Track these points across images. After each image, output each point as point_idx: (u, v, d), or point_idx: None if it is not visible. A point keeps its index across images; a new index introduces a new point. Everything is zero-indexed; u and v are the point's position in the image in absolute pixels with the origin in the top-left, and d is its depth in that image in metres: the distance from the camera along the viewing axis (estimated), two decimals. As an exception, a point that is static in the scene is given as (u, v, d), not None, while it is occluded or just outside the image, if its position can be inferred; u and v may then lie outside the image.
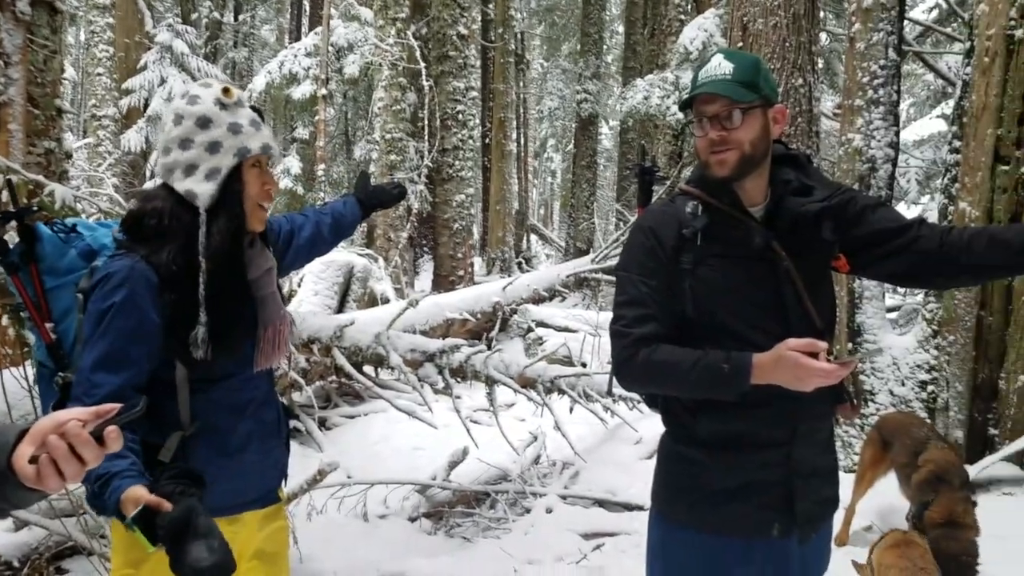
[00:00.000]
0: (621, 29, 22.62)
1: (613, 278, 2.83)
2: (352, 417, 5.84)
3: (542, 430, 5.18)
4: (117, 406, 1.01)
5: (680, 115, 11.38)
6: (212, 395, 1.73)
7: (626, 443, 5.35)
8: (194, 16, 22.05)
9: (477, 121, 13.26)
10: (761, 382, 1.55)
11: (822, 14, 11.56)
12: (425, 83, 10.55)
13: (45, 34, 4.80)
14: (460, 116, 12.11)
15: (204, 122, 1.70)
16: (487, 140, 17.94)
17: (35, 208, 1.75)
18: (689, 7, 13.47)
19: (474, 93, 12.60)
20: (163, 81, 17.39)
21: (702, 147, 1.68)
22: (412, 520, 4.27)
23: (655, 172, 1.95)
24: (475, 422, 5.57)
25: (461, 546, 4.05)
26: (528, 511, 4.38)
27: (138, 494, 1.36)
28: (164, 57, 17.59)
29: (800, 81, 5.55)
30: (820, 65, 9.48)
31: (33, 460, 0.99)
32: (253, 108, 1.78)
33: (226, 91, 1.73)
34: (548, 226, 32.38)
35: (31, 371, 3.32)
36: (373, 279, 7.54)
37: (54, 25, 4.90)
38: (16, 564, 3.33)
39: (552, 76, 28.17)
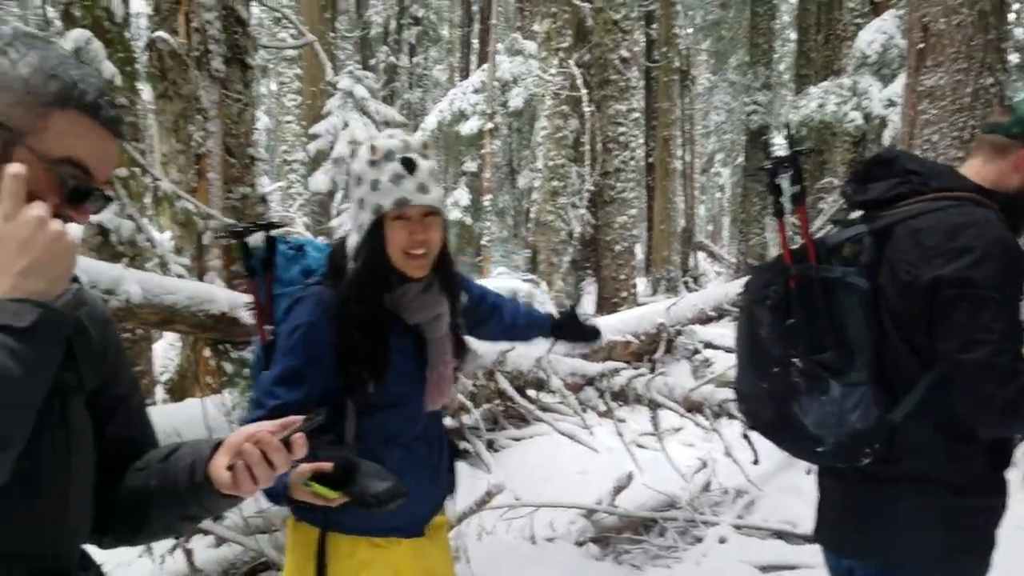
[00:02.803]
0: (793, 36, 21.77)
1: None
2: (518, 439, 5.93)
3: (711, 456, 5.01)
4: (301, 418, 1.11)
5: (861, 121, 10.79)
6: (374, 420, 1.83)
7: (806, 470, 5.07)
8: (372, 61, 23.46)
9: (640, 141, 13.19)
10: None
11: (1017, 6, 10.60)
12: (587, 109, 10.64)
13: (238, 89, 5.30)
14: (622, 138, 12.09)
15: (357, 180, 1.82)
16: (651, 159, 17.78)
17: (281, 223, 1.96)
18: (866, 10, 12.77)
19: (636, 114, 12.55)
20: (346, 125, 18.62)
21: None
22: (579, 544, 4.23)
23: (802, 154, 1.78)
24: (640, 446, 5.47)
25: (630, 573, 3.98)
26: (699, 540, 4.23)
27: (302, 468, 1.49)
28: (346, 102, 18.82)
29: (990, 81, 5.11)
30: (1015, 61, 8.67)
31: (229, 468, 1.10)
32: (404, 160, 1.80)
33: (372, 148, 1.81)
34: (717, 243, 31.50)
35: (229, 398, 3.65)
36: (536, 304, 7.65)
37: (246, 80, 5.40)
38: (215, 579, 3.63)
39: (719, 90, 27.52)
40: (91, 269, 3.02)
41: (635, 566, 4.06)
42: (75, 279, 1.12)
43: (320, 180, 18.47)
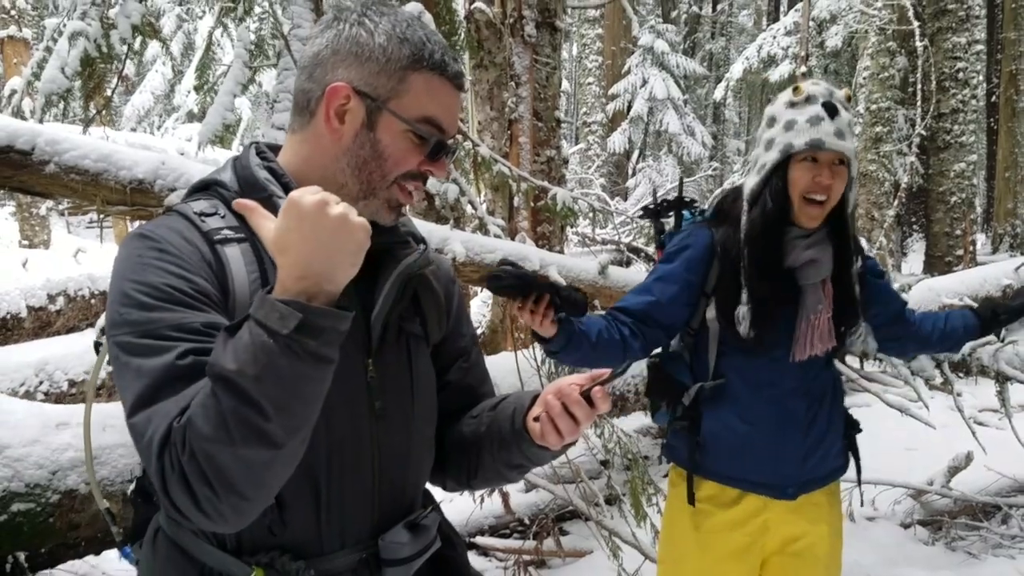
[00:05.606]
0: None
1: None
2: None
3: (1071, 438, 4.32)
4: (607, 372, 1.09)
5: None
6: (736, 361, 1.88)
7: None
8: (674, 14, 23.01)
9: (981, 78, 11.52)
10: None
11: None
12: (919, 43, 9.48)
13: (547, 53, 5.46)
14: (960, 75, 10.66)
15: (771, 121, 1.84)
16: (994, 98, 15.47)
17: (692, 201, 2.12)
18: None
19: (978, 47, 10.99)
20: (644, 82, 18.54)
21: None
22: (905, 527, 3.93)
23: None
24: (980, 423, 4.89)
25: (964, 562, 3.66)
26: (1053, 532, 3.73)
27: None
28: (646, 59, 18.64)
29: None
30: None
31: (536, 419, 1.13)
32: (827, 104, 1.76)
33: (795, 90, 1.81)
34: (1081, 193, 26.69)
35: (539, 353, 3.81)
36: (856, 263, 7.03)
37: (554, 43, 5.54)
38: (527, 521, 3.87)
39: (1085, 11, 23.09)
40: (423, 230, 3.29)
41: (971, 554, 3.75)
42: (422, 240, 1.21)
43: (617, 140, 18.60)
